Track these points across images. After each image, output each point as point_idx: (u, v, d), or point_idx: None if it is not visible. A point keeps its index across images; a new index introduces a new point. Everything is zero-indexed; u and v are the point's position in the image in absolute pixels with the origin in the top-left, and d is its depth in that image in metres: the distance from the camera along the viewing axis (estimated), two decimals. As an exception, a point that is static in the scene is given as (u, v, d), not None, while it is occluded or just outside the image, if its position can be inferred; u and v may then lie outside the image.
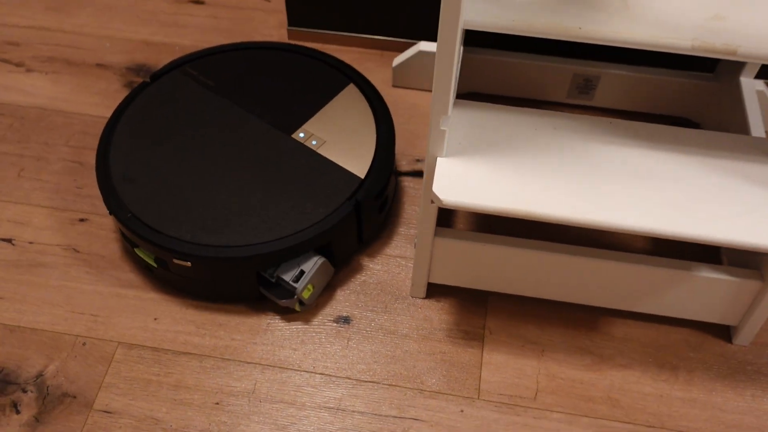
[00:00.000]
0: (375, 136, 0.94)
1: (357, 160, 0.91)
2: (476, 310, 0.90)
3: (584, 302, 0.87)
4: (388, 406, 0.82)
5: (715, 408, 0.83)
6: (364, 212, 0.89)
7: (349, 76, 1.01)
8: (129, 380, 0.84)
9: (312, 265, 0.86)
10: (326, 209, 0.86)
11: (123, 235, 0.91)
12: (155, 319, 0.89)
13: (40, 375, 0.84)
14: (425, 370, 0.85)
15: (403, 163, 1.05)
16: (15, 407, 0.82)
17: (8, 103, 1.12)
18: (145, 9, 1.27)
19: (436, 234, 0.83)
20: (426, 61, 1.10)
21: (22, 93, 1.13)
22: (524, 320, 0.89)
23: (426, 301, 0.91)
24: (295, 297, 0.85)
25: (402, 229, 0.98)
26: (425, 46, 1.09)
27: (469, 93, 1.12)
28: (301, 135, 0.93)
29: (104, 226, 0.97)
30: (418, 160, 1.06)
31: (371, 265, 0.94)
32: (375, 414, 0.82)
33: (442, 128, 0.72)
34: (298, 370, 0.85)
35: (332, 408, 0.82)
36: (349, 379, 0.84)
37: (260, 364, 0.85)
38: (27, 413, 0.81)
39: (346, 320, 0.89)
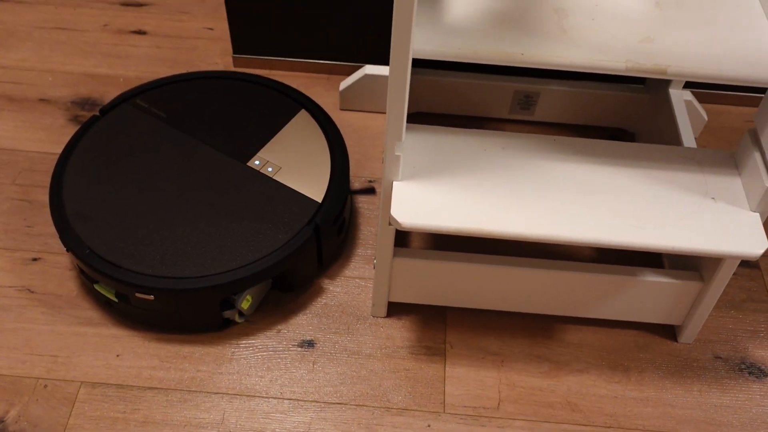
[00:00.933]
0: (329, 159, 0.96)
1: (313, 185, 0.93)
2: (436, 325, 0.93)
3: (539, 311, 0.91)
4: (356, 427, 0.84)
5: (666, 405, 0.87)
6: (324, 236, 0.91)
7: (300, 101, 1.03)
8: (95, 420, 0.83)
9: None
10: (286, 235, 0.88)
11: (81, 271, 0.90)
12: (118, 355, 0.88)
13: (1, 421, 0.83)
14: (391, 388, 0.87)
15: (356, 185, 1.07)
16: (-23, 456, 0.80)
17: (-51, 143, 1.10)
18: (86, 41, 1.26)
19: (394, 254, 0.85)
20: (372, 84, 1.13)
21: (-37, 132, 1.11)
22: (483, 332, 0.92)
23: (387, 319, 0.93)
24: (235, 308, 0.87)
25: (359, 250, 1.00)
26: (371, 69, 1.12)
27: (415, 113, 1.15)
28: (257, 162, 0.95)
29: (59, 264, 0.96)
30: (370, 181, 1.08)
31: (332, 288, 0.96)
32: (345, 434, 0.83)
33: (396, 154, 0.75)
34: (265, 397, 0.86)
35: (302, 432, 0.83)
36: (317, 402, 0.86)
37: (227, 393, 0.86)
38: (-10, 461, 0.80)
39: (310, 344, 0.90)
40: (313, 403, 0.85)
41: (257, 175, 0.93)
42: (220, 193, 0.91)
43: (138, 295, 0.84)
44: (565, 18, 0.75)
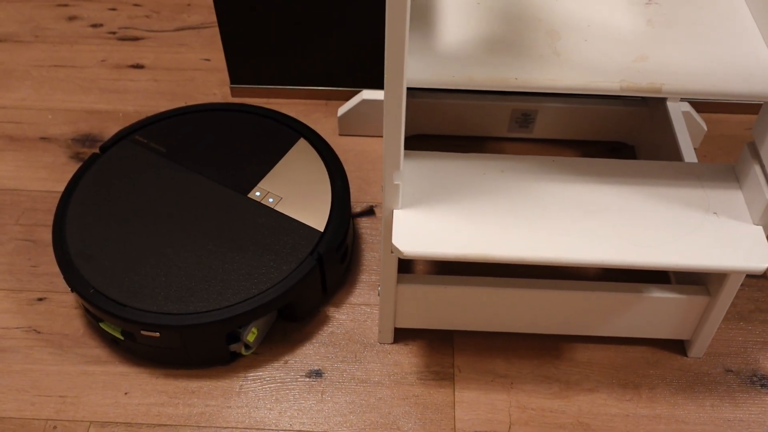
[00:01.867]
0: (330, 188, 0.96)
1: (315, 214, 0.93)
2: (444, 349, 0.92)
3: (546, 331, 0.91)
4: (368, 456, 0.84)
5: (679, 421, 0.87)
6: (327, 264, 0.91)
7: (298, 130, 1.03)
8: (105, 459, 0.83)
9: None
10: (289, 265, 0.88)
11: (87, 310, 0.90)
12: (126, 393, 0.88)
13: (11, 465, 0.83)
14: (401, 415, 0.87)
15: (357, 210, 1.07)
16: (-12, 501, 0.80)
17: (-48, 186, 1.10)
18: (84, 77, 1.27)
19: (398, 281, 0.85)
20: (370, 109, 1.13)
21: (-34, 174, 1.12)
22: (491, 355, 0.92)
23: (394, 346, 0.93)
24: (241, 341, 0.87)
25: (364, 276, 1.00)
26: (368, 94, 1.12)
27: (414, 135, 1.16)
28: (258, 194, 0.95)
29: (64, 303, 0.96)
30: (371, 206, 1.08)
31: (337, 316, 0.96)
32: (356, 465, 0.83)
33: (395, 183, 0.75)
34: (275, 430, 0.85)
35: (313, 464, 0.83)
36: (327, 432, 0.85)
37: (237, 428, 0.85)
38: (1, 506, 0.80)
39: (318, 374, 0.90)
40: (323, 434, 0.85)
41: (258, 206, 0.93)
42: (221, 226, 0.91)
43: (143, 332, 0.84)
44: (558, 40, 0.75)
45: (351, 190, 1.09)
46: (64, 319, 0.95)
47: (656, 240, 0.76)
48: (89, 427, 0.86)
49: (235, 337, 0.87)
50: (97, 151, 1.00)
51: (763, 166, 0.77)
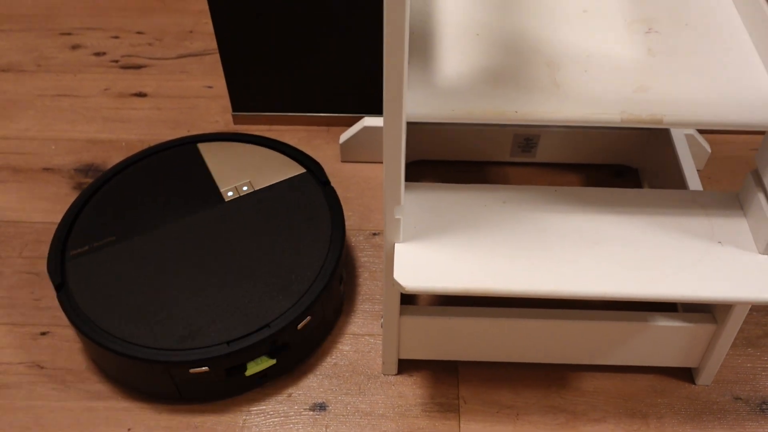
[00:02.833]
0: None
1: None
2: (449, 380, 0.91)
3: (552, 361, 0.90)
4: (373, 491, 0.83)
5: (688, 452, 0.85)
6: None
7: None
8: (108, 498, 0.82)
9: None
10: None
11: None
12: (129, 429, 0.88)
13: (14, 504, 0.82)
14: (406, 449, 0.86)
15: (360, 239, 1.07)
16: None
17: (-44, 219, 1.11)
18: (88, 106, 1.27)
19: (401, 312, 0.85)
20: (372, 136, 1.13)
21: (-31, 206, 1.12)
22: (496, 385, 0.91)
23: (398, 377, 0.92)
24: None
25: (366, 306, 0.99)
26: (369, 121, 1.12)
27: (414, 161, 1.15)
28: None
29: (67, 337, 0.96)
30: (374, 234, 1.08)
31: (341, 347, 0.95)
32: (361, 500, 0.82)
33: (396, 217, 0.74)
34: (279, 465, 0.85)
35: (318, 500, 0.82)
36: (332, 467, 0.85)
37: (240, 463, 0.85)
38: None
39: (321, 407, 0.89)
40: (328, 469, 0.84)
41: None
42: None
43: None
44: (557, 71, 0.75)
45: (352, 218, 1.09)
46: (67, 354, 0.95)
47: (661, 271, 0.75)
48: (92, 464, 0.85)
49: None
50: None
51: (767, 195, 0.76)
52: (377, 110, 1.19)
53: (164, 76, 1.33)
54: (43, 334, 0.97)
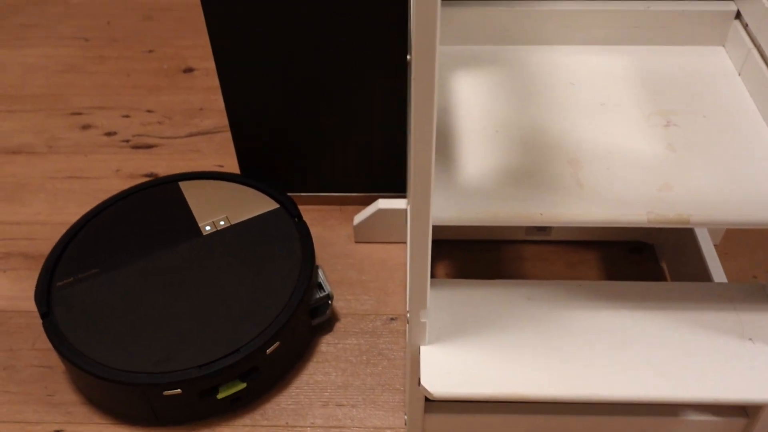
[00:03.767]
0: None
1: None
2: (474, 476, 0.89)
3: (579, 455, 0.88)
4: None
5: None
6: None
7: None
8: None
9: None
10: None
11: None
12: None
13: None
14: None
15: (378, 324, 1.06)
16: None
17: (-33, 310, 1.09)
18: (99, 188, 1.27)
19: (426, 410, 0.83)
20: (386, 218, 1.13)
21: (-19, 296, 1.11)
22: (523, 480, 0.89)
23: (422, 473, 0.90)
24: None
25: (387, 396, 0.97)
26: (384, 204, 1.12)
27: (433, 240, 1.14)
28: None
29: (81, 436, 0.94)
30: (391, 319, 1.06)
31: (362, 441, 0.93)
32: None
33: (422, 321, 0.73)
34: None
35: None
36: None
37: None
38: None
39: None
40: None
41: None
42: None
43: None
44: (579, 170, 0.74)
45: (368, 302, 1.08)
46: (81, 454, 0.92)
47: (692, 373, 0.74)
48: None
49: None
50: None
51: (796, 290, 0.75)
52: (389, 189, 1.19)
53: (175, 155, 1.33)
54: (57, 432, 0.95)
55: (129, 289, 0.95)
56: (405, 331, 1.04)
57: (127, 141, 1.36)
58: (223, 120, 1.40)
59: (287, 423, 0.94)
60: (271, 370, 0.95)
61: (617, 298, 0.81)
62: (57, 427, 0.95)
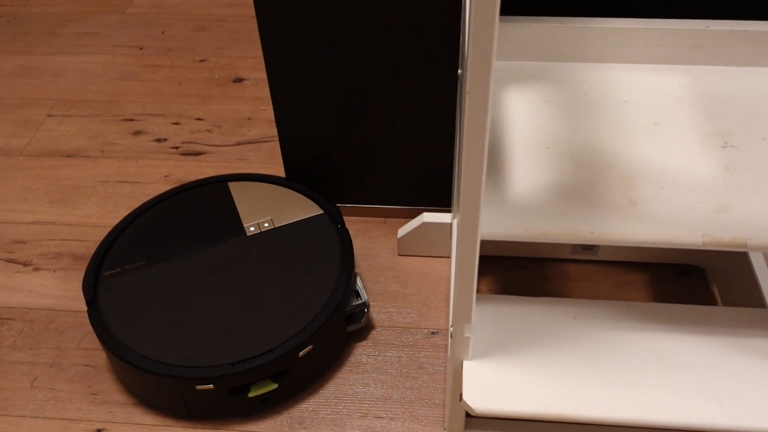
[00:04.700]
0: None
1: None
2: (512, 497, 0.88)
3: (622, 481, 0.85)
4: None
5: None
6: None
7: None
8: None
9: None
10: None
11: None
12: None
13: None
14: None
15: (418, 337, 1.05)
16: None
17: (18, 307, 1.12)
18: (148, 193, 1.29)
19: (466, 426, 0.82)
20: (430, 231, 1.12)
21: (31, 294, 1.14)
22: (563, 504, 0.87)
23: (460, 491, 0.88)
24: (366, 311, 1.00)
25: (426, 410, 0.97)
26: (428, 217, 1.12)
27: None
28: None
29: (123, 436, 0.95)
30: (433, 333, 1.06)
31: (400, 456, 0.92)
32: None
33: (466, 335, 0.72)
34: None
35: None
36: None
37: None
38: None
39: None
40: None
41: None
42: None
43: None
44: (632, 188, 0.73)
45: (410, 315, 1.08)
46: (122, 454, 0.94)
47: (748, 400, 0.71)
48: None
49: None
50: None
51: None
52: (433, 203, 1.18)
53: (223, 163, 1.35)
54: (99, 431, 0.96)
55: (171, 282, 0.98)
56: (446, 345, 1.03)
57: (177, 148, 1.38)
58: (271, 130, 1.41)
59: (325, 433, 0.94)
60: (302, 372, 0.95)
61: (667, 320, 0.79)
62: (99, 426, 0.97)
